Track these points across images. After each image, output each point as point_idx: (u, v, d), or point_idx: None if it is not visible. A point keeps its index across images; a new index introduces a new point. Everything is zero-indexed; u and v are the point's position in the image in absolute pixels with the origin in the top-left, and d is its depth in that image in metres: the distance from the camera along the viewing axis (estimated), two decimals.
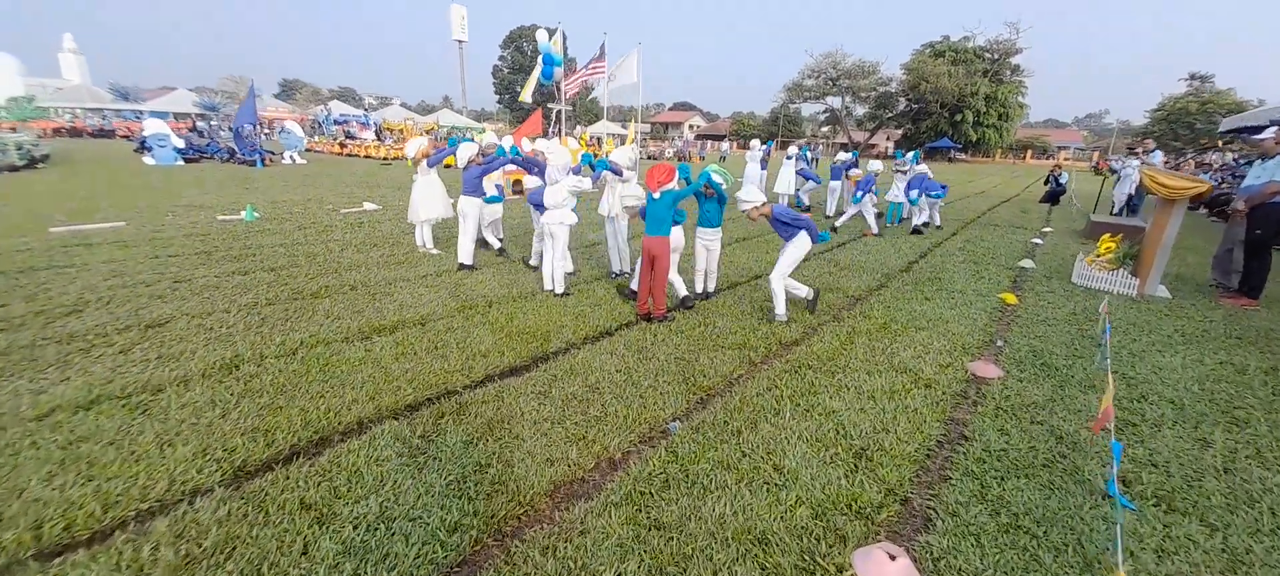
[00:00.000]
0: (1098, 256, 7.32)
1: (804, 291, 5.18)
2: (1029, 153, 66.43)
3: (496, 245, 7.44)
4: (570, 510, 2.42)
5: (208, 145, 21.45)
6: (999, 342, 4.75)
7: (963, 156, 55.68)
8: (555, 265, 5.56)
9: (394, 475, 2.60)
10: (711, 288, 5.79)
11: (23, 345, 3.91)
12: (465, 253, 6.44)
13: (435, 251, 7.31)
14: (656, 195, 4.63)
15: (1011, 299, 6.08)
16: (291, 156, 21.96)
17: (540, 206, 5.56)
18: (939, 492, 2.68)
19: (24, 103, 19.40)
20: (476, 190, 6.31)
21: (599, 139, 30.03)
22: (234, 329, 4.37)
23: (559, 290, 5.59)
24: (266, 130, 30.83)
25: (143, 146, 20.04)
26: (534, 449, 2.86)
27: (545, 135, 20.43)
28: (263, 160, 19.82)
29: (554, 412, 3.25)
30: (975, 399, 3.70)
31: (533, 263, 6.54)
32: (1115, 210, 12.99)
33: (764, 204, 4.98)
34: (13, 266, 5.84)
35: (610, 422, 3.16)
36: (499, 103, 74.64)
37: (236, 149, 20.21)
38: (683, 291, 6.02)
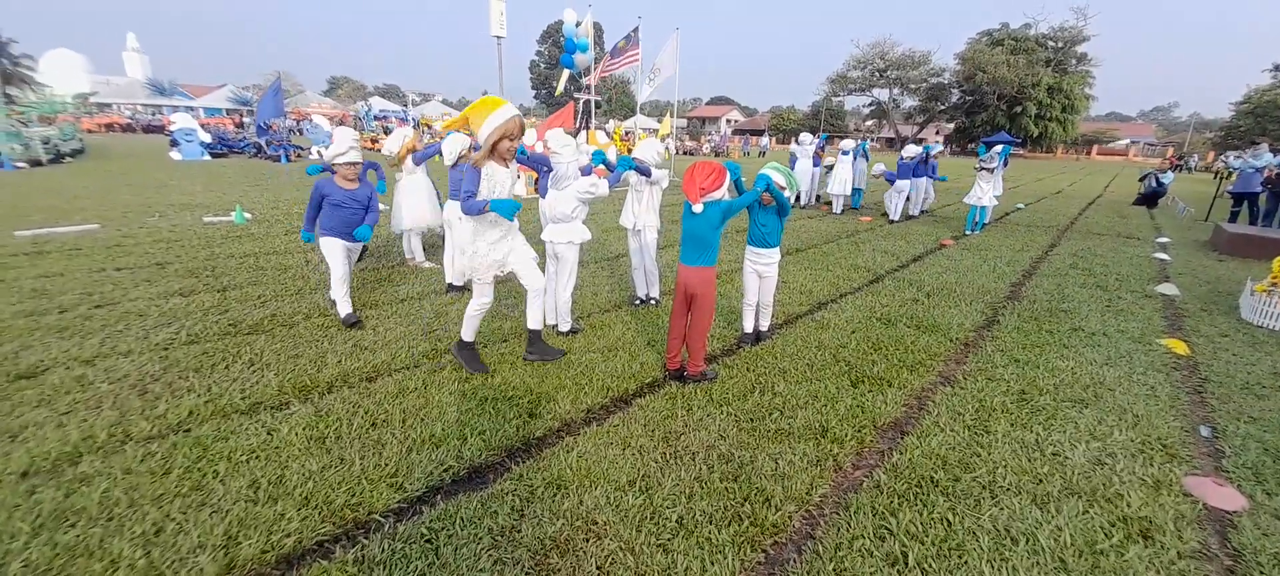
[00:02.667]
0: (1275, 285, 5.53)
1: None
2: (1095, 148, 61.74)
3: None
4: None
5: (239, 140, 21.15)
6: (1205, 431, 3.18)
7: (1021, 152, 51.90)
8: (559, 294, 4.24)
9: None
10: (765, 325, 4.36)
11: None
12: (453, 270, 5.20)
13: (427, 265, 6.13)
14: (698, 207, 3.21)
15: (1180, 347, 4.43)
16: (318, 151, 21.44)
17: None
18: None
19: (54, 100, 19.40)
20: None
21: (631, 133, 28.70)
22: (120, 385, 3.21)
23: (563, 327, 4.28)
24: (298, 125, 30.73)
25: (173, 141, 19.85)
26: None
27: (578, 130, 19.26)
28: (288, 155, 19.32)
29: None
30: (1230, 564, 2.19)
31: (456, 282, 5.26)
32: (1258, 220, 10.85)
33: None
34: None
35: None
36: (535, 97, 74.22)
37: (262, 145, 19.79)
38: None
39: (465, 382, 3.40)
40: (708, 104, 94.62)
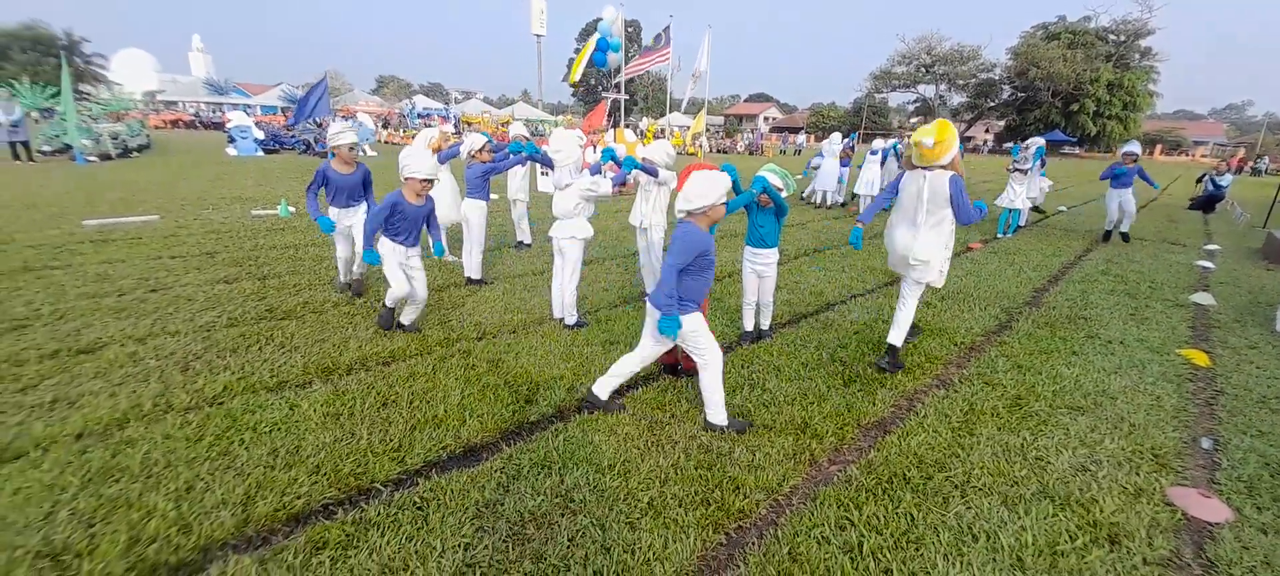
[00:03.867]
0: None
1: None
2: (1159, 148, 58.20)
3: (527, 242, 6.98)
4: None
5: (289, 137, 22.27)
6: (1206, 443, 3.11)
7: (1076, 151, 49.43)
8: (565, 289, 4.43)
9: None
10: (765, 325, 4.44)
11: None
12: (472, 265, 5.47)
13: (451, 259, 6.42)
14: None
15: (1201, 358, 4.29)
16: (363, 148, 22.39)
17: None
18: None
19: (122, 96, 20.88)
20: (481, 192, 5.30)
21: (662, 132, 28.78)
22: (165, 362, 3.57)
23: (569, 320, 4.47)
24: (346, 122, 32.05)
25: (229, 138, 21.07)
26: None
27: (607, 128, 19.46)
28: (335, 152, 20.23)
29: (488, 554, 2.10)
30: (1198, 570, 2.19)
31: (474, 276, 5.49)
32: None
33: None
34: (12, 266, 5.49)
35: None
36: (573, 95, 75.01)
37: (310, 142, 20.76)
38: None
39: (471, 370, 3.62)
40: (746, 101, 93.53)
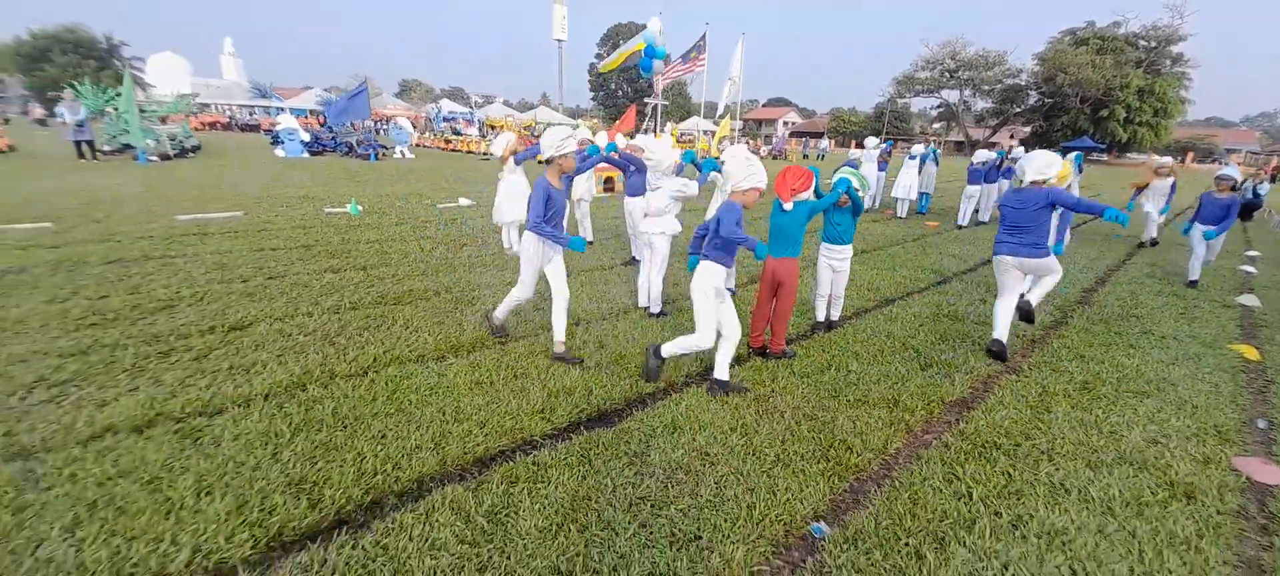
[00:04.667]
0: None
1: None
2: (1190, 155, 57.06)
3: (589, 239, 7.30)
4: None
5: (332, 140, 23.08)
6: (1261, 424, 3.40)
7: (1105, 157, 48.73)
8: (652, 280, 4.83)
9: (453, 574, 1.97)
10: (836, 315, 4.80)
11: (107, 344, 3.78)
12: None
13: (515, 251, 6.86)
14: (789, 206, 3.72)
15: (1252, 353, 4.54)
16: (401, 151, 23.12)
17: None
18: None
19: (177, 98, 21.85)
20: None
21: (692, 137, 29.12)
22: (311, 338, 4.04)
23: (656, 309, 4.86)
24: (383, 125, 32.94)
25: (276, 140, 21.92)
26: (628, 552, 2.13)
27: (637, 131, 19.87)
28: (376, 154, 20.95)
29: (653, 490, 2.50)
30: (1264, 522, 2.50)
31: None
32: None
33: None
34: (131, 254, 6.05)
35: (728, 514, 2.36)
36: (593, 99, 75.74)
37: (353, 144, 21.51)
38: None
39: (581, 349, 4.03)
40: (765, 105, 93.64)
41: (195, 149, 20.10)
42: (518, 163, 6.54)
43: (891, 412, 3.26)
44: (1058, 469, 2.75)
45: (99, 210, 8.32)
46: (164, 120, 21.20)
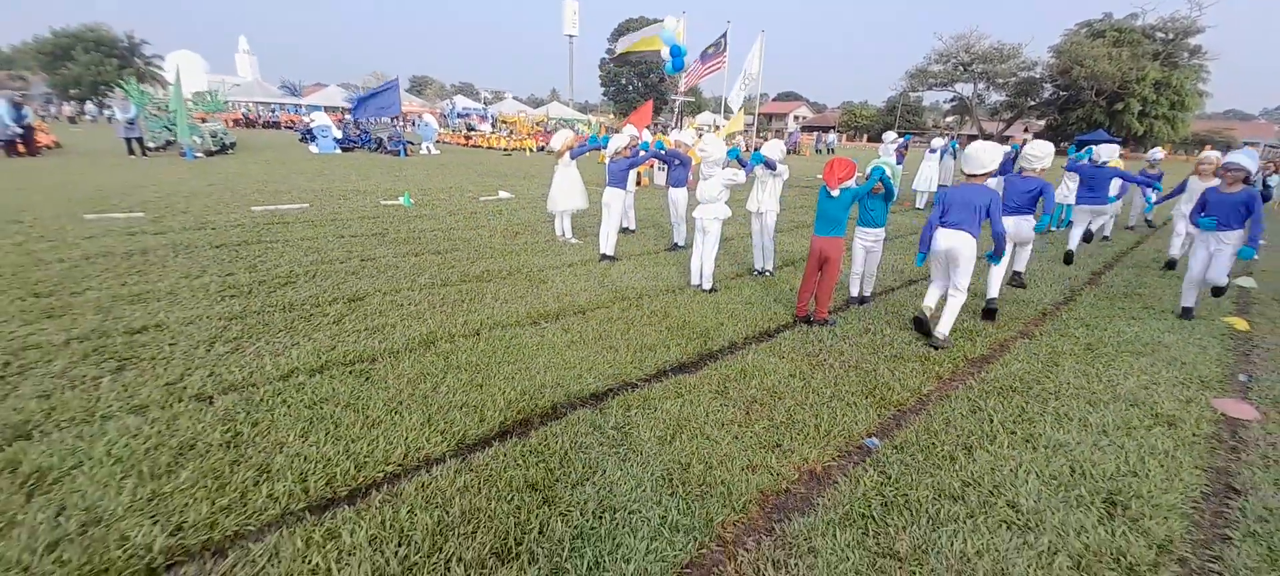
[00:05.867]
0: None
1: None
2: (1208, 148, 56.61)
3: (632, 228, 8.01)
4: (789, 524, 2.31)
5: (361, 136, 23.89)
6: (1243, 377, 3.99)
7: (1123, 151, 48.58)
8: (704, 260, 5.47)
9: (601, 463, 2.64)
10: (867, 292, 5.42)
11: (254, 311, 4.50)
12: (608, 243, 6.55)
13: (574, 241, 7.53)
14: (835, 192, 4.36)
15: (1242, 325, 5.11)
16: (428, 147, 23.89)
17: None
18: (1222, 555, 2.25)
19: (210, 96, 22.70)
20: (621, 182, 6.38)
21: (705, 131, 29.57)
22: (421, 307, 4.74)
23: (707, 286, 5.51)
24: (405, 122, 33.76)
25: (308, 136, 22.76)
26: (730, 452, 2.79)
27: (653, 126, 20.43)
28: (404, 150, 21.72)
29: (738, 415, 3.16)
30: (1233, 444, 3.11)
31: (609, 252, 6.58)
32: None
33: None
34: (231, 239, 6.80)
35: (800, 431, 3.01)
36: (604, 94, 76.21)
37: (383, 140, 22.29)
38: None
39: (650, 318, 4.69)
40: (775, 99, 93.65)
41: (232, 145, 20.99)
42: (573, 157, 7.21)
43: (923, 365, 3.90)
44: (1063, 405, 3.38)
45: (179, 202, 9.09)
46: (204, 118, 22.14)
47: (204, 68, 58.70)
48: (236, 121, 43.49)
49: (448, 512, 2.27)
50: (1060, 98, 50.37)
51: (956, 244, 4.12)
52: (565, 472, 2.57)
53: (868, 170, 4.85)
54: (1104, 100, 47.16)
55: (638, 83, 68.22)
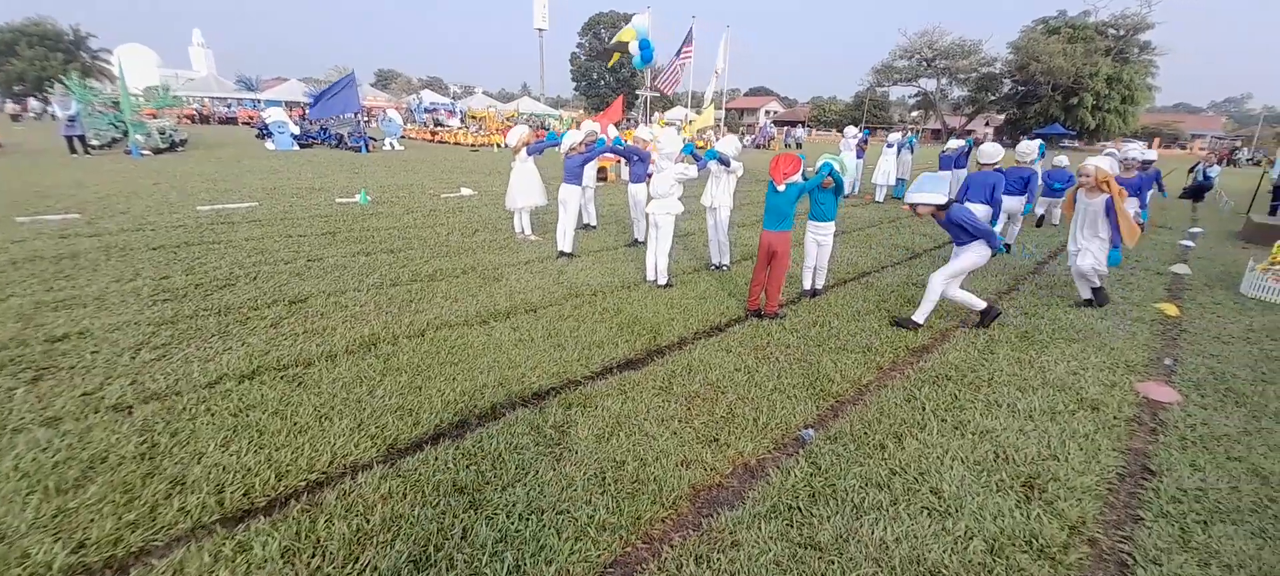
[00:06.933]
0: (1274, 264, 6.31)
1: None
2: (1157, 140, 59.22)
3: (593, 224, 8.02)
4: (716, 518, 2.32)
5: (320, 132, 23.20)
6: (1168, 361, 4.17)
7: (1075, 144, 50.45)
8: (659, 256, 5.47)
9: (534, 464, 2.61)
10: (820, 285, 5.49)
11: (187, 315, 4.32)
12: (565, 240, 6.49)
13: (534, 238, 7.45)
14: (781, 187, 4.39)
15: (1172, 310, 5.35)
16: (391, 143, 23.36)
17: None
18: (1133, 535, 2.35)
19: (162, 91, 21.71)
20: (577, 178, 6.32)
21: (678, 126, 29.67)
22: (366, 309, 4.62)
23: (662, 281, 5.51)
24: (368, 118, 32.90)
25: (264, 132, 22.02)
26: (667, 448, 2.79)
27: (623, 122, 20.34)
28: (366, 146, 21.17)
29: (679, 410, 3.16)
30: (1153, 426, 3.25)
31: (567, 249, 6.54)
32: None
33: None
34: (171, 241, 6.52)
35: (739, 425, 3.04)
36: (576, 89, 75.68)
37: (344, 136, 21.68)
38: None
39: (602, 314, 4.67)
40: (746, 94, 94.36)
41: (183, 142, 20.16)
42: (531, 154, 7.12)
43: (865, 356, 3.97)
44: (994, 392, 3.48)
45: (119, 203, 8.70)
46: (155, 114, 21.21)
47: (155, 62, 56.24)
48: (189, 117, 41.90)
49: (368, 520, 2.22)
50: (1019, 92, 51.95)
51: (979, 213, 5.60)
52: (496, 475, 2.53)
53: (817, 165, 4.90)
54: (1060, 95, 48.84)
55: (610, 77, 67.91)
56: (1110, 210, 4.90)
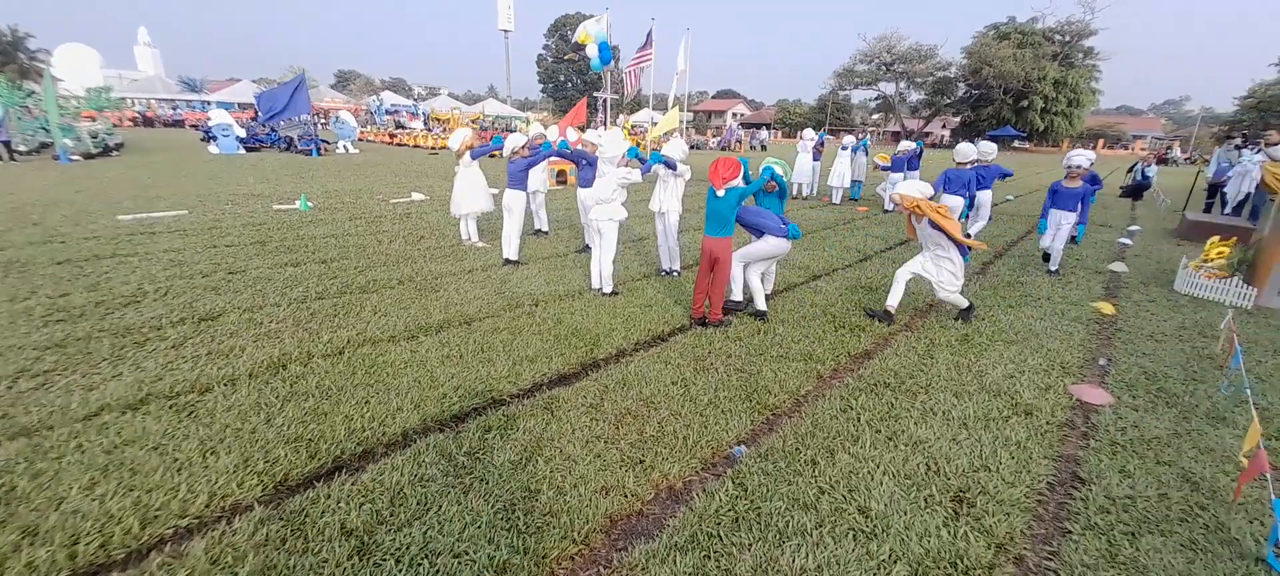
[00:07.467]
0: (1206, 261, 6.52)
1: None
2: (1101, 142, 62.07)
3: (546, 230, 7.91)
4: (630, 551, 2.15)
5: (269, 135, 22.23)
6: (1102, 361, 4.21)
7: (1026, 146, 52.45)
8: (603, 263, 5.29)
9: (438, 499, 2.39)
10: (768, 289, 5.40)
11: (79, 337, 3.94)
12: (511, 247, 6.26)
13: (481, 244, 7.19)
14: (721, 192, 4.27)
15: (1108, 309, 5.44)
16: (345, 146, 22.57)
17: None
18: (1060, 550, 2.28)
19: (101, 93, 20.44)
20: (521, 183, 6.10)
21: (644, 128, 29.64)
22: (283, 325, 4.30)
23: (607, 289, 5.33)
24: (322, 120, 31.77)
25: (208, 136, 20.98)
26: (587, 473, 2.61)
27: (589, 125, 20.15)
28: (318, 149, 20.39)
29: (607, 430, 2.99)
30: (1085, 431, 3.23)
31: (513, 257, 6.33)
32: (1227, 210, 11.63)
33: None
34: (80, 254, 6.03)
35: (668, 444, 2.88)
36: (542, 91, 75.02)
37: (294, 139, 20.82)
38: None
39: (541, 326, 4.46)
40: (714, 97, 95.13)
41: (118, 147, 19.04)
42: (474, 158, 6.86)
43: (806, 364, 3.87)
44: (931, 399, 3.42)
45: (33, 212, 8.07)
46: (93, 116, 19.93)
47: (98, 62, 53.24)
48: (132, 120, 39.79)
49: (236, 574, 1.97)
50: (973, 96, 53.73)
51: (956, 205, 7.41)
52: (394, 513, 2.31)
53: (760, 168, 4.81)
54: (1011, 98, 50.70)
55: (577, 79, 67.54)
56: (939, 228, 4.51)
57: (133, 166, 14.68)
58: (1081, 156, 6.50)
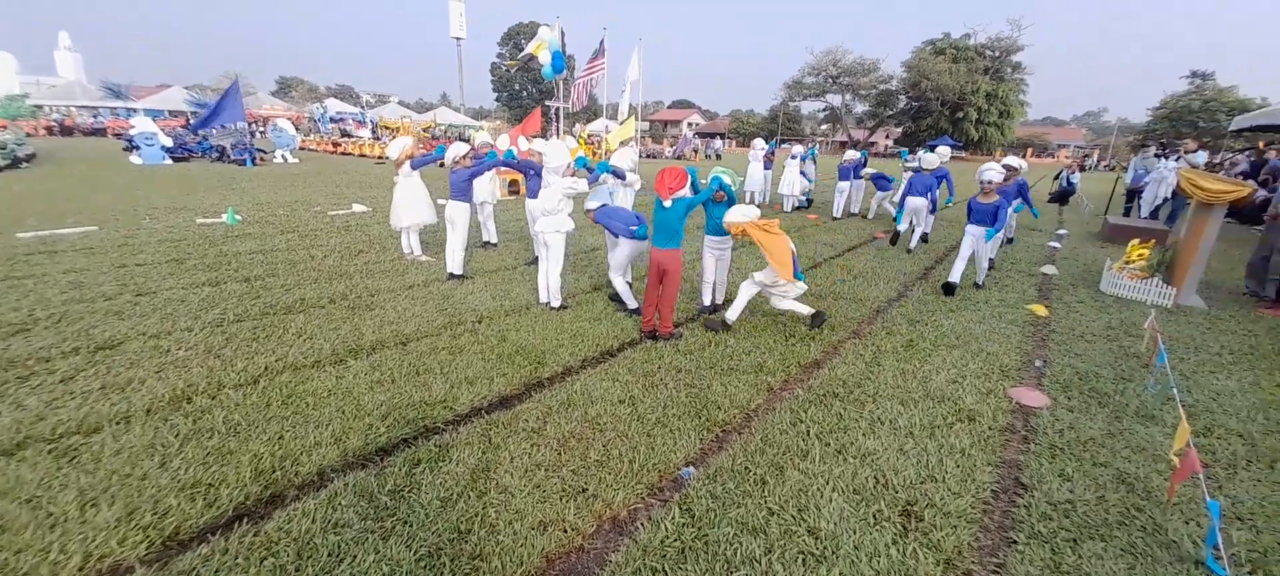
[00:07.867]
0: (1128, 263, 6.91)
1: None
2: (1029, 150, 66.12)
3: (495, 242, 7.69)
4: None
5: (200, 143, 20.89)
6: (1038, 363, 4.33)
7: (963, 155, 55.32)
8: (551, 276, 5.11)
9: (353, 548, 2.16)
10: (720, 299, 5.35)
11: None
12: (454, 261, 5.99)
13: (424, 258, 6.86)
14: (668, 203, 4.17)
15: (1042, 310, 5.65)
16: (283, 155, 21.44)
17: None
18: (1006, 562, 2.26)
19: (19, 101, 18.77)
20: (465, 194, 5.85)
21: (599, 138, 29.54)
22: (193, 352, 3.92)
23: (556, 304, 5.15)
24: (259, 128, 30.19)
25: (130, 145, 19.54)
26: (524, 507, 2.43)
27: (543, 134, 19.89)
28: (253, 159, 19.30)
29: (548, 457, 2.81)
30: (1025, 433, 3.28)
31: (457, 271, 6.05)
32: (1145, 214, 12.44)
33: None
34: None
35: (613, 469, 2.73)
36: (497, 100, 73.94)
37: (226, 148, 19.66)
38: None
39: (483, 343, 4.24)
40: (670, 107, 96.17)
41: (29, 158, 17.48)
42: (414, 168, 6.55)
43: (757, 376, 3.80)
44: (878, 408, 3.41)
45: None
46: (2, 126, 18.21)
47: (14, 68, 49.04)
48: (48, 129, 36.74)
49: None
50: (913, 108, 56.23)
51: (919, 204, 8.28)
52: (300, 568, 2.06)
53: (708, 178, 4.75)
54: (948, 110, 53.37)
55: (532, 88, 66.89)
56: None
57: (42, 179, 13.44)
58: (993, 171, 6.11)
